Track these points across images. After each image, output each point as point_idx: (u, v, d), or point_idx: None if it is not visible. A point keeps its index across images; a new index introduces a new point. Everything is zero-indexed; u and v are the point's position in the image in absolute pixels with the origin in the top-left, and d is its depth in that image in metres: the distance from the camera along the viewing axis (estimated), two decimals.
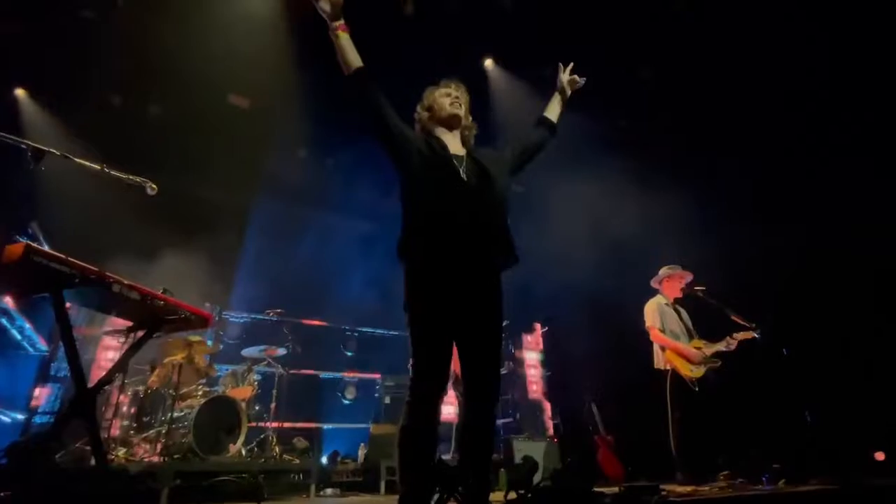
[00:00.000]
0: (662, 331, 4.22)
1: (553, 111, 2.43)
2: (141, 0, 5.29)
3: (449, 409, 7.21)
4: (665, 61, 5.71)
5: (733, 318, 4.08)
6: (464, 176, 2.01)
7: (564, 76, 2.47)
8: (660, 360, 4.21)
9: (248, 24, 5.44)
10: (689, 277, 4.43)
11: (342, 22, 2.02)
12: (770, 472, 3.29)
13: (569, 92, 2.47)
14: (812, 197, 4.86)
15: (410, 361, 1.83)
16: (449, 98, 2.19)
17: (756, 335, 3.97)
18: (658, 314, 4.31)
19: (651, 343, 4.32)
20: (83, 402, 1.74)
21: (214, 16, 5.27)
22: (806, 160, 4.90)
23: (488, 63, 6.61)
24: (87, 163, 2.14)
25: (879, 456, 4.11)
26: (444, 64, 6.25)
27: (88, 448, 3.33)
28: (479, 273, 1.93)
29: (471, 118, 2.27)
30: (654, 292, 4.55)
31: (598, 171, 5.93)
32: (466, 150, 2.16)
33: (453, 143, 2.15)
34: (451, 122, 2.18)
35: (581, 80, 2.48)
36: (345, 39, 2.03)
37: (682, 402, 3.99)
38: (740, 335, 4.05)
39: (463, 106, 2.21)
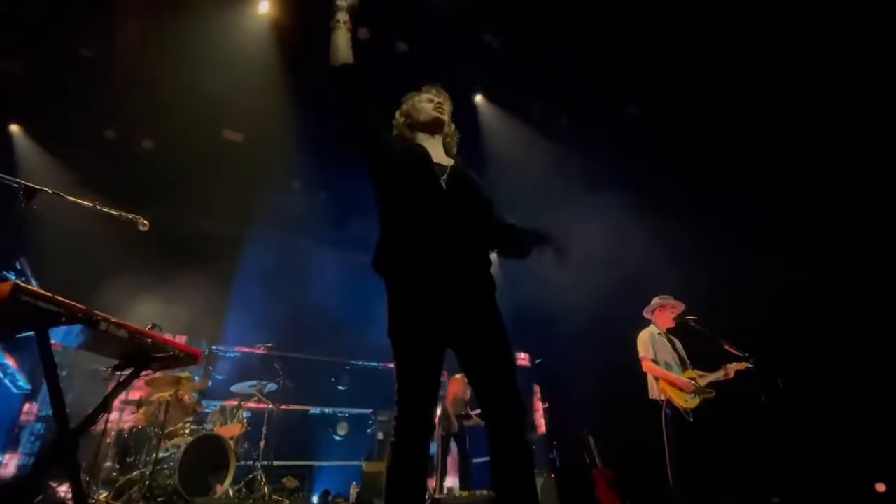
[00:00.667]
0: (655, 361, 4.20)
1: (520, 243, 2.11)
2: (137, 37, 5.41)
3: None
4: (655, 93, 5.87)
5: (726, 347, 4.08)
6: (443, 185, 1.86)
7: None
8: (654, 391, 4.18)
9: (242, 59, 5.56)
10: (680, 307, 4.45)
11: (348, 18, 1.98)
12: None
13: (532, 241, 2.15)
14: (807, 226, 4.90)
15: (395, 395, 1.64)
16: (431, 103, 2.07)
17: (750, 365, 3.96)
18: (650, 344, 4.30)
19: (646, 373, 4.29)
20: (64, 444, 1.69)
21: (209, 51, 5.39)
22: (799, 189, 4.96)
23: (479, 99, 6.77)
24: (80, 200, 2.14)
25: (881, 487, 4.05)
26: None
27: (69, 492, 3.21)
28: (463, 283, 1.75)
29: (453, 126, 2.14)
30: (647, 323, 4.55)
31: (593, 203, 6.00)
32: (451, 160, 2.04)
33: (436, 151, 2.01)
34: (434, 127, 2.05)
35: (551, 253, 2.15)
36: (343, 34, 1.95)
37: (677, 432, 3.94)
38: (734, 366, 4.04)
39: (446, 111, 2.09)
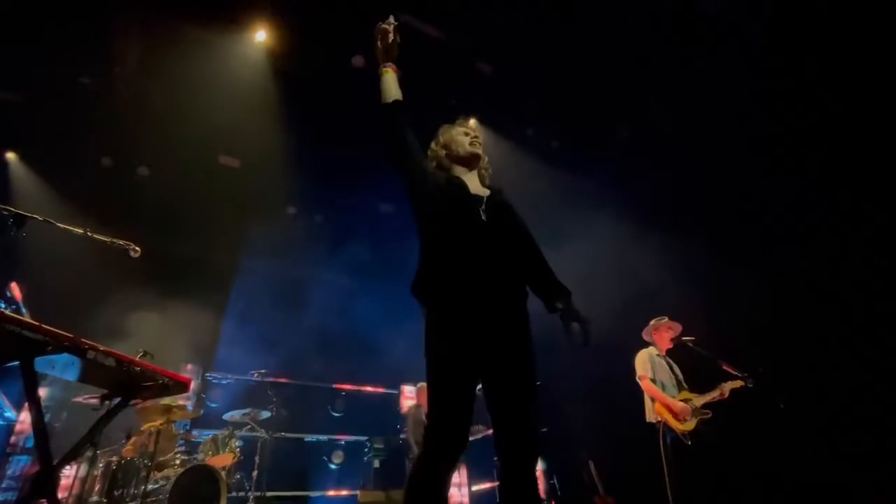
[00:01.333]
0: (653, 380, 4.17)
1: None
2: (135, 65, 5.48)
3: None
4: (645, 114, 5.97)
5: (724, 367, 4.06)
6: (483, 216, 1.95)
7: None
8: (651, 414, 4.13)
9: (239, 87, 5.63)
10: (677, 328, 4.44)
11: (392, 63, 2.15)
12: None
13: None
14: (807, 244, 4.89)
15: (424, 414, 1.70)
16: (468, 137, 2.17)
17: (748, 384, 3.93)
18: (649, 364, 4.28)
19: (643, 396, 4.25)
20: (46, 480, 1.63)
21: (206, 79, 5.46)
22: (797, 208, 4.97)
23: (472, 122, 6.85)
24: (71, 227, 2.13)
25: None
26: (431, 122, 6.54)
27: None
28: (501, 314, 1.80)
29: (486, 158, 2.24)
30: (646, 344, 4.53)
31: (588, 225, 6.03)
32: (487, 190, 2.11)
33: (472, 183, 2.10)
34: (471, 162, 2.15)
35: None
36: (391, 77, 2.11)
37: (675, 455, 3.88)
38: (729, 384, 4.01)
39: (481, 146, 2.20)
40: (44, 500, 1.65)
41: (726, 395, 4.02)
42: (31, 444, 5.16)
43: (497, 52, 5.76)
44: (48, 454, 1.70)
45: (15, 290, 3.55)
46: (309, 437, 7.20)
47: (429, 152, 2.22)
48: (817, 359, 4.52)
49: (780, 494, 4.04)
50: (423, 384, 6.13)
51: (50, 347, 1.65)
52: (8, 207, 1.91)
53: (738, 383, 3.97)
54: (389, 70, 2.14)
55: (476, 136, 2.19)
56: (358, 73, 5.66)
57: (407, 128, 2.05)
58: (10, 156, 6.20)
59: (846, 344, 4.43)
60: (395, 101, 2.07)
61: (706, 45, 5.03)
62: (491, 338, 1.75)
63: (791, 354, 4.55)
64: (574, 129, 6.38)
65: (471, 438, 5.65)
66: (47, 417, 5.12)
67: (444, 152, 2.18)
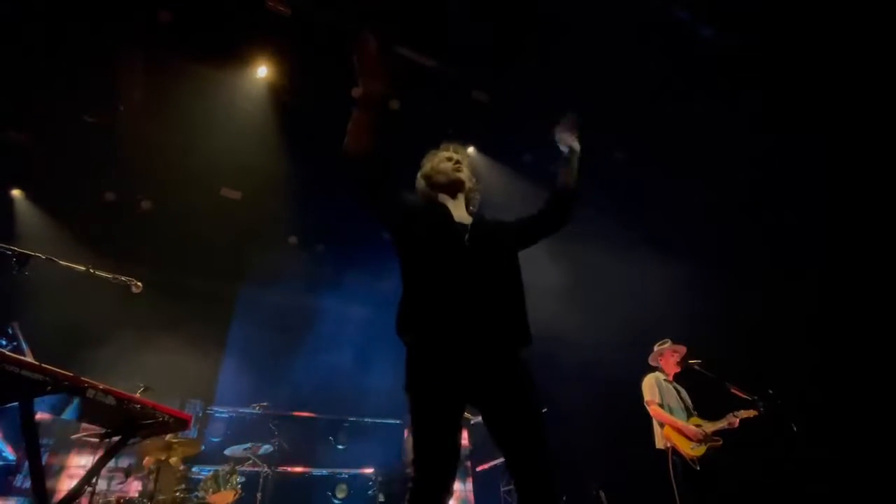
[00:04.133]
0: (661, 405, 4.09)
1: (560, 178, 2.15)
2: (139, 102, 5.59)
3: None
4: (641, 134, 6.01)
5: (733, 391, 3.98)
6: (468, 243, 1.87)
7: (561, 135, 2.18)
8: (659, 440, 4.04)
9: (240, 121, 5.73)
10: (682, 351, 4.38)
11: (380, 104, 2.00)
12: None
13: (567, 147, 2.16)
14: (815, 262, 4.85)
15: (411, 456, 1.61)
16: (450, 163, 2.09)
17: (760, 410, 3.84)
18: (657, 388, 4.21)
19: (651, 422, 4.17)
20: None
21: (208, 114, 5.56)
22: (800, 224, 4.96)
23: (470, 150, 6.95)
24: (73, 265, 2.14)
25: None
26: (428, 150, 6.62)
27: None
28: (486, 344, 1.71)
29: (474, 179, 2.16)
30: (652, 369, 4.47)
31: (595, 249, 6.02)
32: (472, 217, 2.05)
33: (457, 210, 2.03)
34: (453, 188, 2.07)
35: (569, 122, 2.17)
36: (372, 118, 1.95)
37: (684, 482, 3.78)
38: (742, 413, 3.92)
39: (465, 169, 2.11)
40: None
41: (736, 426, 3.93)
42: (28, 485, 5.06)
43: (492, 78, 5.86)
44: (44, 497, 1.66)
45: (16, 328, 3.53)
46: (312, 471, 7.04)
47: (416, 182, 2.17)
48: (828, 379, 4.46)
49: None
50: None
51: (49, 388, 1.63)
52: (11, 247, 1.92)
53: (750, 413, 3.87)
54: (373, 110, 2.01)
55: (458, 162, 2.10)
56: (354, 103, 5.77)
57: (382, 179, 1.95)
58: (16, 193, 6.28)
59: (856, 363, 4.37)
60: (371, 153, 1.96)
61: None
62: (475, 369, 1.68)
63: (801, 375, 4.48)
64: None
65: (472, 421, 5.40)
66: (46, 456, 5.03)
67: (425, 181, 2.12)
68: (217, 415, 6.69)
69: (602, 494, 5.75)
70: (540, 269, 6.72)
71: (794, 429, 3.67)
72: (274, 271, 6.89)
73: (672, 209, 5.93)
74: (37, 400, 1.77)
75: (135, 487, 4.54)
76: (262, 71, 5.46)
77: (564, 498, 6.69)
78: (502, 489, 6.87)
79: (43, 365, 1.63)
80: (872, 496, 3.95)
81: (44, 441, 5.04)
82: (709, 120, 5.30)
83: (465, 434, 6.32)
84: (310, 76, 5.53)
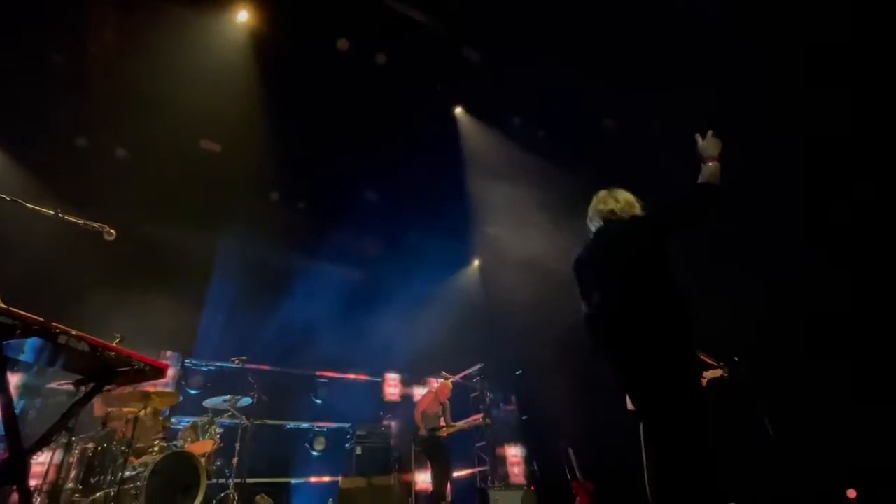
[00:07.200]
0: None
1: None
2: (111, 42, 5.29)
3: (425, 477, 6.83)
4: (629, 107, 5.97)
5: (702, 357, 4.12)
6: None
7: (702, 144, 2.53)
8: (631, 402, 4.19)
9: (219, 68, 5.49)
10: None
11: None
12: None
13: (707, 155, 2.49)
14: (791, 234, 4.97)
15: None
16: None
17: (724, 374, 4.01)
18: None
19: None
20: (15, 467, 1.60)
21: (185, 58, 5.30)
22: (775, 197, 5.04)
23: (458, 111, 6.83)
24: (41, 208, 2.06)
25: (851, 494, 4.12)
26: (416, 110, 6.48)
27: None
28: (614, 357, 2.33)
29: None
30: None
31: (564, 214, 6.04)
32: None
33: None
34: None
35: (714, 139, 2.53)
36: (716, 168, 2.42)
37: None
38: (708, 374, 4.08)
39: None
40: (13, 487, 1.61)
41: (705, 384, 4.10)
42: (1, 430, 5.05)
43: (484, 40, 5.70)
44: (18, 440, 1.66)
45: None
46: (291, 424, 7.18)
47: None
48: (794, 350, 4.66)
49: (754, 482, 4.16)
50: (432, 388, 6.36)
51: (19, 331, 1.60)
52: None
53: (717, 372, 4.04)
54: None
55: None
56: (343, 57, 5.57)
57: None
58: None
59: (823, 336, 4.56)
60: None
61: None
62: (624, 384, 2.49)
63: (768, 345, 4.67)
64: (559, 121, 6.37)
65: (456, 428, 5.75)
66: (21, 404, 5.01)
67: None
68: (196, 368, 6.71)
69: (571, 452, 6.01)
70: (521, 240, 6.78)
71: (756, 392, 3.85)
72: (254, 227, 6.78)
73: (655, 178, 5.95)
74: (6, 344, 1.74)
75: (112, 437, 4.56)
76: (243, 15, 5.20)
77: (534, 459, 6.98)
78: (476, 445, 7.09)
79: (11, 309, 1.59)
80: (830, 458, 4.20)
81: (17, 388, 5.01)
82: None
83: None
84: (293, 23, 5.29)
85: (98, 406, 4.35)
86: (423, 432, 5.71)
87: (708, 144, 2.51)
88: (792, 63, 4.67)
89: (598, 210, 2.69)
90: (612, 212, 2.62)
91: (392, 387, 8.06)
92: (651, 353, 2.17)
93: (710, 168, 2.44)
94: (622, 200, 2.65)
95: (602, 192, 2.74)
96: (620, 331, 2.29)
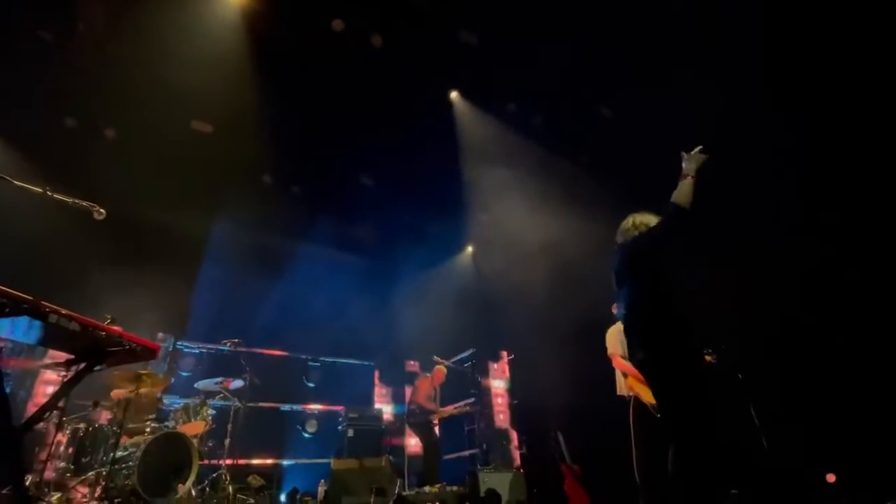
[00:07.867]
0: (624, 357, 4.27)
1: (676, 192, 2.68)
2: (101, 20, 5.18)
3: (412, 441, 7.09)
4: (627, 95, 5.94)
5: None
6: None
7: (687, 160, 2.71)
8: (622, 387, 4.24)
9: (212, 48, 5.38)
10: None
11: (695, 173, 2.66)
12: (729, 499, 3.33)
13: (685, 171, 2.68)
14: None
15: None
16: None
17: (713, 360, 4.06)
18: (618, 340, 4.35)
19: (615, 370, 4.36)
20: (7, 443, 1.60)
21: (177, 38, 5.20)
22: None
23: (454, 95, 6.77)
24: (29, 186, 2.03)
25: (831, 478, 4.23)
26: (411, 94, 6.42)
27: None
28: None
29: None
30: (616, 320, 4.61)
31: (559, 201, 6.06)
32: None
33: None
34: None
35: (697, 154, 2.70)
36: (689, 185, 2.61)
37: (644, 429, 4.00)
38: None
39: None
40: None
41: None
42: None
43: (479, 22, 5.63)
44: (9, 419, 1.66)
45: None
46: (283, 407, 7.22)
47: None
48: (777, 335, 4.73)
49: (740, 466, 4.25)
50: (426, 374, 6.65)
51: (8, 309, 1.59)
52: None
53: (706, 359, 4.09)
54: (690, 180, 2.63)
55: None
56: (338, 39, 5.49)
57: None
58: None
59: (806, 322, 4.63)
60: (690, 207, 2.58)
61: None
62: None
63: (751, 333, 4.75)
64: (556, 105, 6.33)
65: (446, 414, 6.06)
66: (11, 384, 4.99)
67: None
68: (188, 350, 6.72)
69: (560, 435, 6.10)
70: (515, 227, 6.78)
71: (740, 377, 3.92)
72: (247, 210, 6.73)
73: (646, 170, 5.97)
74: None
75: (105, 416, 4.57)
76: None
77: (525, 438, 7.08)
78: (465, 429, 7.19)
79: (0, 287, 1.58)
80: (810, 442, 4.30)
81: (9, 371, 4.99)
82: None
83: None
84: (287, 3, 5.20)
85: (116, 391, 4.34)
86: (423, 413, 6.05)
87: (690, 160, 2.69)
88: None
89: (619, 230, 3.06)
90: (626, 231, 2.99)
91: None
92: (654, 357, 2.57)
93: (682, 186, 2.64)
94: (631, 223, 2.98)
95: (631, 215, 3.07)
96: (630, 337, 2.78)
